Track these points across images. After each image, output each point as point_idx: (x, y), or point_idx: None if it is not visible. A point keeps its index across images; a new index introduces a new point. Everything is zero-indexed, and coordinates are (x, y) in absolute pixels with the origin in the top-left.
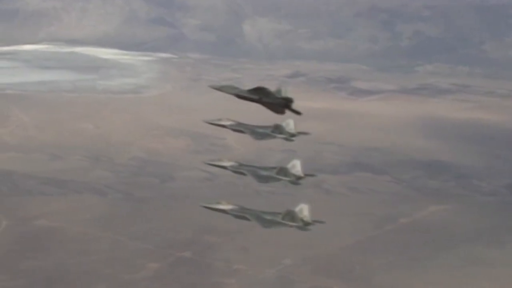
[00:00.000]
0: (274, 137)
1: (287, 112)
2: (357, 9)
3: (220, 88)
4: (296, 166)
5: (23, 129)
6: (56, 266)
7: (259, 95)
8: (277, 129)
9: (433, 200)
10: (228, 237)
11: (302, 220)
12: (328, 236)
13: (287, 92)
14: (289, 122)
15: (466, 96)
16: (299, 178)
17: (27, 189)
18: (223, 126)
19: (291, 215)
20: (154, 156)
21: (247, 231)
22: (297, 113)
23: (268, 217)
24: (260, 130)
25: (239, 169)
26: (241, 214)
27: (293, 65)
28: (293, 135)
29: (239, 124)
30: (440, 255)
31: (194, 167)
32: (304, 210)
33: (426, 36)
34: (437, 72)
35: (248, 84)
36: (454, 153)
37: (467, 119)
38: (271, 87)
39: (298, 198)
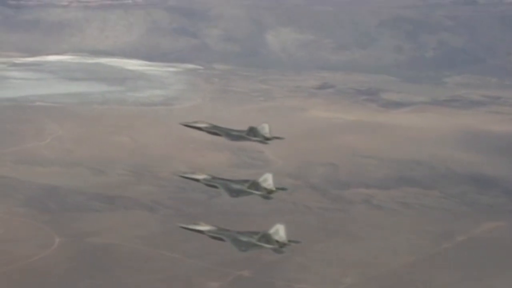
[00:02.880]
0: (249, 139)
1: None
2: (380, 19)
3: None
4: (268, 180)
5: (60, 142)
6: (116, 285)
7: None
8: (252, 132)
9: (486, 216)
10: (286, 255)
11: (277, 242)
12: (387, 253)
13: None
14: (264, 126)
15: (499, 108)
16: (270, 192)
17: (75, 205)
18: (199, 128)
19: (266, 237)
20: (196, 170)
21: (304, 248)
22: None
23: (245, 238)
24: (235, 133)
25: (211, 182)
26: (217, 236)
27: (320, 76)
28: (267, 138)
29: (215, 126)
30: (505, 273)
31: None
32: (280, 231)
33: (451, 47)
34: (466, 83)
35: (278, 96)
36: (497, 167)
37: (504, 132)
38: (301, 98)
39: (350, 214)
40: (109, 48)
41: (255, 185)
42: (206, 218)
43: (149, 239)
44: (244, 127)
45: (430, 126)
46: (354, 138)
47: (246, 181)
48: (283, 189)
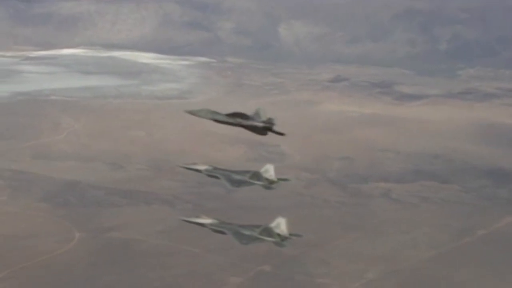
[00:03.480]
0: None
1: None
2: (393, 12)
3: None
4: (269, 171)
5: (76, 136)
6: (137, 280)
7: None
8: (255, 176)
9: (506, 210)
10: (306, 249)
11: (279, 235)
12: (407, 248)
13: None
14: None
15: None
16: (272, 182)
17: (94, 200)
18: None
19: (267, 231)
20: (214, 164)
21: (325, 243)
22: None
23: (247, 232)
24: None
25: (213, 173)
26: (219, 229)
27: (333, 69)
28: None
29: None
30: None
31: None
32: (281, 225)
33: (465, 39)
34: (480, 76)
35: (291, 89)
36: None
37: None
38: (315, 92)
39: (369, 208)
40: (122, 42)
41: (257, 175)
42: (226, 213)
43: (169, 234)
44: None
45: (445, 119)
46: (370, 132)
47: (247, 171)
48: (285, 179)
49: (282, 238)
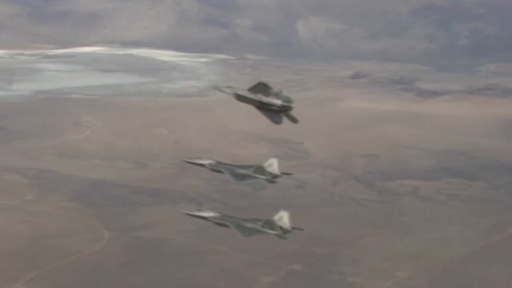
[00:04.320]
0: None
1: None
2: (410, 8)
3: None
4: (273, 165)
5: (98, 135)
6: (167, 279)
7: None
8: (259, 170)
9: None
10: (336, 248)
11: (281, 228)
12: (438, 246)
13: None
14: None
15: None
16: (275, 176)
17: (121, 199)
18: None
19: (270, 223)
20: (238, 162)
21: (355, 241)
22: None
23: (249, 225)
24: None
25: (216, 167)
26: (221, 222)
27: (352, 66)
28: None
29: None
30: None
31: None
32: (283, 218)
33: (484, 35)
34: (500, 71)
35: (312, 86)
36: None
37: None
38: (335, 88)
39: (397, 206)
40: (139, 39)
41: (260, 169)
42: (253, 211)
43: (197, 232)
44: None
45: (468, 115)
46: (393, 128)
47: (251, 166)
48: (288, 174)
49: (285, 231)
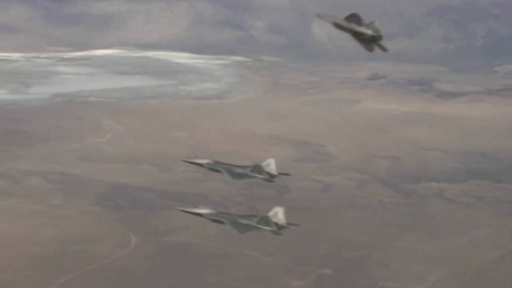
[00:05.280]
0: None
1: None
2: (425, 8)
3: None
4: (271, 165)
5: (119, 138)
6: (197, 284)
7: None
8: (256, 169)
9: None
10: (365, 251)
11: (276, 224)
12: (468, 249)
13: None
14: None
15: None
16: (273, 176)
17: (146, 203)
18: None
19: (265, 220)
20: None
21: (384, 245)
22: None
23: (244, 221)
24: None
25: (215, 167)
26: (217, 219)
27: (369, 67)
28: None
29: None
30: None
31: (305, 177)
32: (279, 214)
33: (500, 35)
34: None
35: (329, 88)
36: None
37: None
38: (353, 90)
39: (424, 209)
40: (155, 41)
41: (257, 169)
42: None
43: (225, 237)
44: (301, 120)
45: (487, 117)
46: (413, 130)
47: (248, 166)
48: (286, 174)
49: (280, 227)
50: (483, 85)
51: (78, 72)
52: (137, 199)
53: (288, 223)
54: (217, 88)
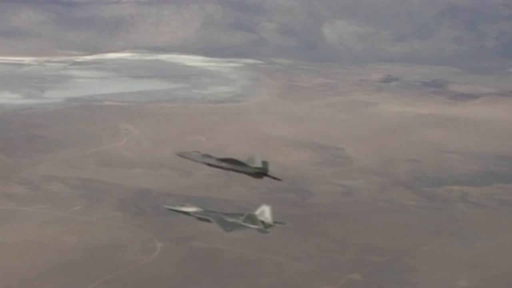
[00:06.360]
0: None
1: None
2: (437, 10)
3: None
4: (265, 213)
5: (137, 142)
6: None
7: (231, 166)
8: (249, 218)
9: None
10: (393, 256)
11: (263, 223)
12: (496, 253)
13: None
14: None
15: None
16: (268, 226)
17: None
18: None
19: (251, 218)
20: (281, 169)
21: (411, 249)
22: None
23: (230, 220)
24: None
25: (204, 216)
26: (204, 217)
27: (382, 69)
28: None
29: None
30: None
31: (326, 181)
32: (265, 212)
33: None
34: None
35: (344, 90)
36: None
37: None
38: (368, 92)
39: (449, 213)
40: (166, 44)
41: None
42: (305, 220)
43: (251, 242)
44: (318, 123)
45: (504, 118)
46: (431, 133)
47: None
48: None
49: (266, 225)
50: (497, 87)
51: (91, 76)
52: (159, 204)
53: (275, 222)
54: (231, 91)
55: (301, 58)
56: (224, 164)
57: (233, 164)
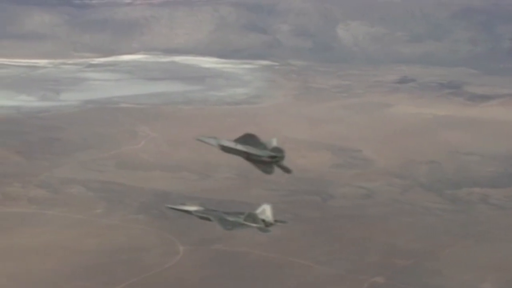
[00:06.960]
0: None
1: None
2: (451, 11)
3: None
4: (266, 211)
5: (155, 145)
6: None
7: (246, 148)
8: (250, 217)
9: None
10: (417, 259)
11: (263, 221)
12: None
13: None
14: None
15: None
16: (269, 224)
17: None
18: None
19: (252, 217)
20: (301, 171)
21: (435, 252)
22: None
23: (231, 218)
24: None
25: (204, 214)
26: (204, 216)
27: (397, 70)
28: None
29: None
30: None
31: (346, 184)
32: (266, 211)
33: None
34: None
35: (359, 91)
36: None
37: None
38: (384, 94)
39: (472, 215)
40: (181, 46)
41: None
42: (325, 222)
43: (274, 245)
44: (335, 125)
45: None
46: (449, 134)
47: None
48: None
49: (267, 224)
50: None
51: (106, 78)
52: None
53: (276, 220)
54: (247, 93)
55: (316, 60)
56: (239, 147)
57: (249, 145)
